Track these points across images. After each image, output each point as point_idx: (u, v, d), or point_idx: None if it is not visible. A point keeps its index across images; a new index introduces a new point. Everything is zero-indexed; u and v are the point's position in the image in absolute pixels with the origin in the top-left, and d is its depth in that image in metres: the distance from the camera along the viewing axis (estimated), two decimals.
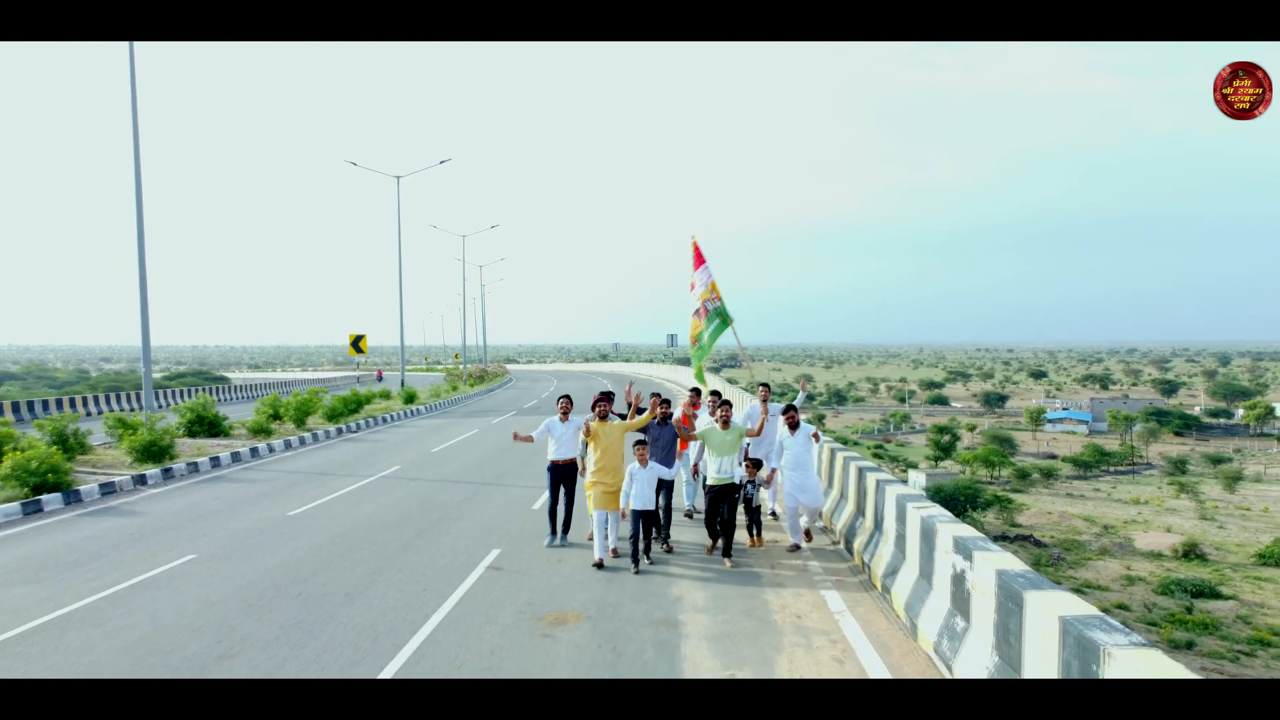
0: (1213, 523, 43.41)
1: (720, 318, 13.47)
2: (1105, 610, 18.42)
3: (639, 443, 9.56)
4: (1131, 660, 3.72)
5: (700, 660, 6.54)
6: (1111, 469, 65.19)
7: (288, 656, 6.66)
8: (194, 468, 17.06)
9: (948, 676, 5.92)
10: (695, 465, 10.85)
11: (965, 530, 6.34)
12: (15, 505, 12.47)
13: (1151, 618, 19.33)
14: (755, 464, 9.92)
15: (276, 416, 24.89)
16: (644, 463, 9.40)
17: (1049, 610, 4.49)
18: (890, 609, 7.60)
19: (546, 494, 10.62)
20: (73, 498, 13.57)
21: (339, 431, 25.30)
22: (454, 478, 16.06)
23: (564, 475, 10.23)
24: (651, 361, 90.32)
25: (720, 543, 9.58)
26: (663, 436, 10.08)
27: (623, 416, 10.22)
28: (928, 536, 6.82)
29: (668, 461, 10.11)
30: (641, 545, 9.32)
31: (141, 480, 15.39)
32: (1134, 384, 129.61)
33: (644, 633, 7.16)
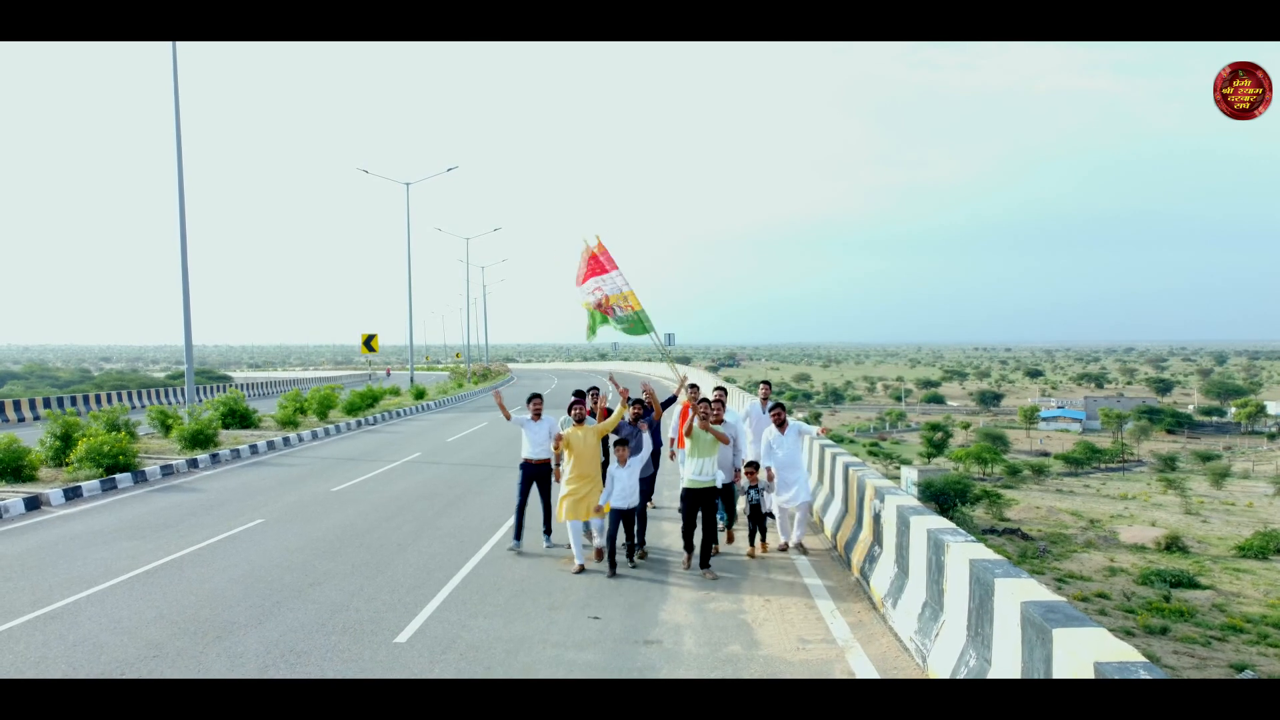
0: (1197, 517, 44.92)
1: (633, 323, 11.68)
2: (1085, 599, 20.12)
3: (619, 442, 9.12)
4: (962, 549, 5.59)
5: (684, 584, 8.43)
6: (1103, 466, 66.56)
7: (364, 583, 8.54)
8: (236, 454, 18.95)
9: (866, 589, 7.77)
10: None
11: (887, 483, 8.21)
12: (96, 483, 14.41)
13: (1130, 605, 20.86)
14: (754, 465, 9.65)
15: (301, 410, 26.77)
16: (623, 462, 8.97)
17: (923, 527, 6.39)
18: (838, 553, 9.46)
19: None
20: (140, 478, 15.47)
21: (358, 424, 27.20)
22: (471, 462, 17.95)
23: (537, 474, 9.96)
24: (649, 360, 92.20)
25: (698, 553, 8.92)
26: (635, 437, 9.48)
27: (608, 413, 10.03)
28: (860, 490, 8.70)
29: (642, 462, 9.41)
30: (622, 545, 9.05)
31: (194, 464, 17.28)
32: (1129, 383, 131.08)
33: (639, 568, 9.03)
